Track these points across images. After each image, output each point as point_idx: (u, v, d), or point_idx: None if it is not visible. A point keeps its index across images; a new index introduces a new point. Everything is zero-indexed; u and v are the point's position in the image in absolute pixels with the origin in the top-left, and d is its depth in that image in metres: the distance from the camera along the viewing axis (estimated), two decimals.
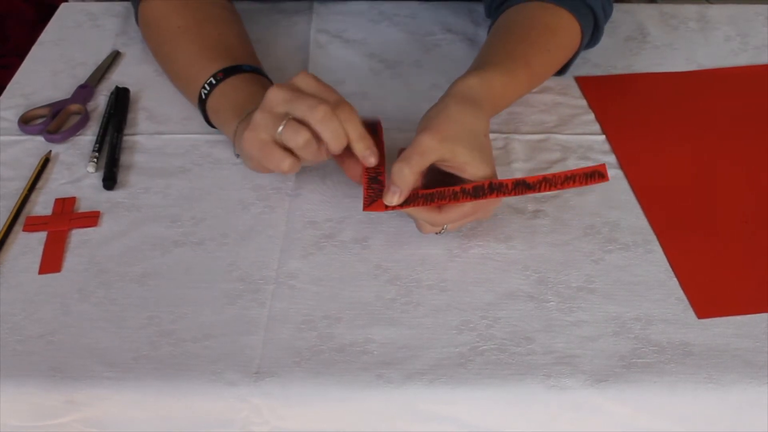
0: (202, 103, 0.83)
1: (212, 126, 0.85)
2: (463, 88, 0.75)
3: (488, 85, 0.77)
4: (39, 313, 0.68)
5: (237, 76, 0.82)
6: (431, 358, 0.64)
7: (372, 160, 0.71)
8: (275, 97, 0.70)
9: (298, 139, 0.69)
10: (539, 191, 0.70)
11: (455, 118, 0.71)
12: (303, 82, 0.71)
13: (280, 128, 0.69)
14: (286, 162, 0.70)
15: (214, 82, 0.82)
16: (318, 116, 0.68)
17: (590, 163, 0.83)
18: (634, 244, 0.74)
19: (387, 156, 0.75)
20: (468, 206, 0.70)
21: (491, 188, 0.69)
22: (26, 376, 0.63)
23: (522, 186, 0.69)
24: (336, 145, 0.70)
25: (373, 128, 0.75)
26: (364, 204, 0.71)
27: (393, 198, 0.69)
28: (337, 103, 0.70)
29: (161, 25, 0.92)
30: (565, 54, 0.90)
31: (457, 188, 0.69)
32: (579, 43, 0.90)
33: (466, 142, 0.70)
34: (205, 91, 0.82)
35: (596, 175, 0.69)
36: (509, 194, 0.69)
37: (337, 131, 0.69)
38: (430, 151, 0.69)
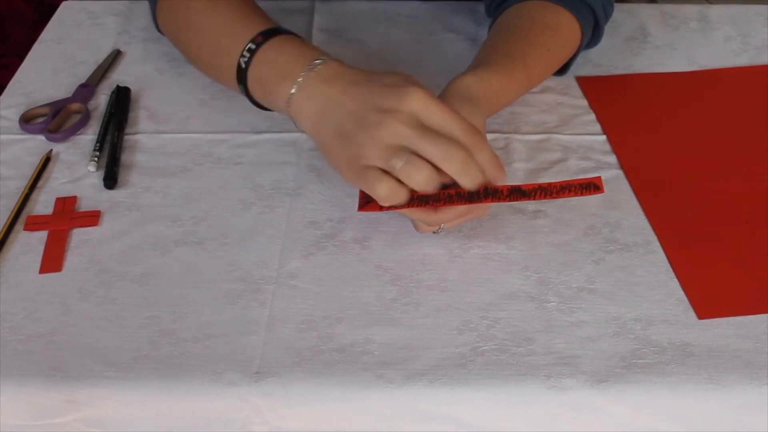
0: (242, 76, 0.76)
1: (256, 104, 0.78)
2: (460, 86, 0.75)
3: (485, 84, 0.76)
4: (39, 313, 0.68)
5: (278, 37, 0.75)
6: (432, 359, 0.64)
7: (502, 178, 0.68)
8: (395, 131, 0.65)
9: (419, 178, 0.65)
10: (534, 199, 0.70)
11: None
12: (423, 109, 0.65)
13: (397, 163, 0.65)
14: (385, 189, 0.65)
15: (253, 47, 0.75)
16: (457, 167, 0.65)
17: (591, 164, 0.83)
18: (635, 245, 0.74)
19: None
20: (463, 206, 0.70)
21: (486, 193, 0.69)
22: (26, 375, 0.63)
23: (517, 193, 0.70)
24: (474, 187, 0.67)
25: None
26: (359, 204, 0.71)
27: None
28: (468, 134, 0.66)
29: (182, 7, 0.86)
30: (565, 53, 0.90)
31: (453, 192, 0.69)
32: (579, 43, 0.90)
33: None
34: (245, 59, 0.75)
35: (591, 186, 0.70)
36: (504, 200, 0.69)
37: (477, 177, 0.66)
38: None
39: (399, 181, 0.66)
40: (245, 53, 0.75)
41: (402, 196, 0.66)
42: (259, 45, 0.74)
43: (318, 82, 0.70)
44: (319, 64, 0.71)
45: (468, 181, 0.66)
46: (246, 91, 0.77)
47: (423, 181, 0.66)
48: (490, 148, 0.68)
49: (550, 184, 0.70)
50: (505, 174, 0.69)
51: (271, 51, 0.74)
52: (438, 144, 0.65)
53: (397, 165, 0.65)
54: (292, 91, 0.71)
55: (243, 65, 0.75)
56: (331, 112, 0.69)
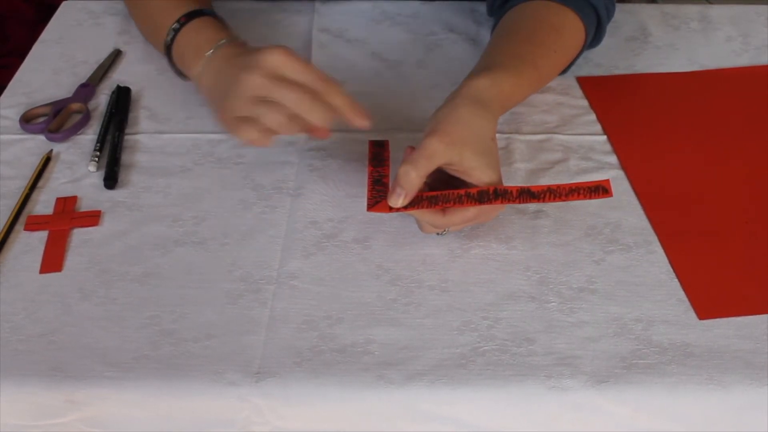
0: (168, 51, 0.86)
1: (181, 75, 0.87)
2: (474, 90, 0.75)
3: (498, 87, 0.76)
4: (40, 313, 0.68)
5: (198, 19, 0.85)
6: (432, 359, 0.64)
7: (366, 123, 0.72)
8: (253, 82, 0.71)
9: (275, 122, 0.71)
10: (543, 201, 0.70)
11: (464, 121, 0.71)
12: (281, 62, 0.72)
13: (256, 110, 0.71)
14: (253, 135, 0.73)
15: (177, 26, 0.84)
16: (305, 107, 0.70)
17: (591, 164, 0.83)
18: (636, 245, 0.74)
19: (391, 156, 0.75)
20: (471, 211, 0.70)
21: (496, 194, 0.69)
22: (27, 375, 0.63)
23: (527, 194, 0.70)
24: (323, 123, 0.71)
25: (380, 145, 0.77)
26: (368, 204, 0.71)
27: (398, 200, 0.69)
28: (321, 80, 0.71)
29: None
30: (571, 54, 0.90)
31: (462, 192, 0.69)
32: (583, 43, 0.90)
33: (473, 147, 0.70)
34: (170, 37, 0.85)
35: (600, 190, 0.70)
36: (513, 201, 0.70)
37: (324, 114, 0.71)
38: (437, 154, 0.69)
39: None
40: (170, 31, 0.85)
41: (267, 139, 0.73)
42: (182, 25, 0.85)
43: (217, 59, 0.80)
44: (222, 44, 0.81)
45: (315, 117, 0.71)
46: (171, 64, 0.88)
47: (277, 122, 0.71)
48: (343, 93, 0.72)
49: (559, 186, 0.70)
50: (364, 117, 0.72)
51: (190, 32, 0.84)
52: (289, 89, 0.71)
53: (256, 112, 0.72)
54: (199, 69, 0.81)
55: (168, 42, 0.86)
56: (217, 79, 0.79)
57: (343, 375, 0.63)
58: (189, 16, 0.85)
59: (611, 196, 0.70)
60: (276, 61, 0.71)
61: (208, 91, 0.81)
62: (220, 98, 0.76)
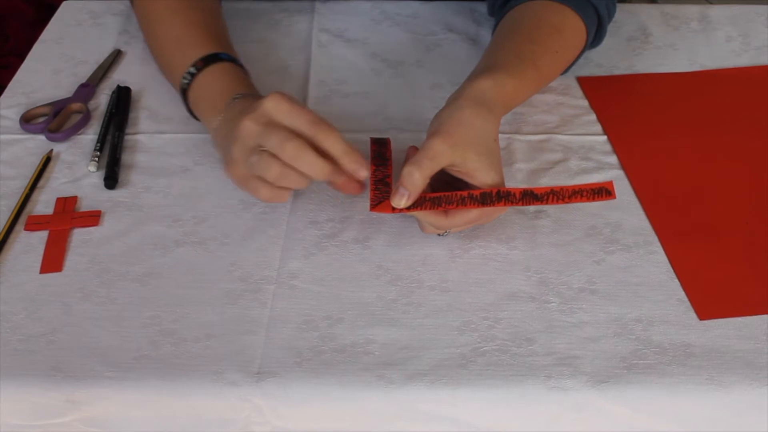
0: (183, 92, 0.84)
1: (193, 115, 0.85)
2: (477, 91, 0.75)
3: (501, 88, 0.76)
4: (40, 312, 0.68)
5: (215, 65, 0.82)
6: (432, 359, 0.64)
7: (363, 173, 0.70)
8: (247, 130, 0.69)
9: (269, 173, 0.68)
10: (546, 203, 0.70)
11: (467, 122, 0.71)
12: (274, 108, 0.69)
13: (252, 162, 0.69)
14: (264, 193, 0.70)
15: (194, 71, 0.82)
16: (288, 154, 0.67)
17: (592, 164, 0.83)
18: (636, 245, 0.74)
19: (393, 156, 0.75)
20: (474, 213, 0.70)
21: (499, 196, 0.69)
22: (27, 375, 0.63)
23: (530, 196, 0.70)
24: (317, 175, 0.68)
25: (382, 143, 0.77)
26: (371, 204, 0.71)
27: (401, 201, 0.69)
28: (312, 125, 0.68)
29: (146, 12, 0.93)
30: (572, 54, 0.90)
31: (465, 193, 0.69)
32: (584, 43, 0.90)
33: (476, 148, 0.70)
34: (186, 81, 0.83)
35: (603, 192, 0.71)
36: (516, 204, 0.70)
37: (313, 163, 0.68)
38: (440, 155, 0.69)
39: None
40: (186, 75, 0.83)
41: (284, 196, 0.71)
42: (198, 70, 0.82)
43: (229, 114, 0.77)
44: (237, 99, 0.78)
45: (307, 167, 0.68)
46: (187, 107, 0.85)
47: (273, 175, 0.68)
48: (337, 138, 0.69)
49: (562, 188, 0.70)
50: (362, 164, 0.69)
51: (207, 79, 0.82)
52: (275, 135, 0.68)
53: (252, 163, 0.69)
54: (215, 125, 0.79)
55: (184, 86, 0.83)
56: (226, 133, 0.75)
57: (343, 375, 0.63)
58: (206, 61, 0.82)
59: (614, 198, 0.70)
60: (270, 107, 0.69)
61: (219, 147, 0.80)
62: (225, 151, 0.75)
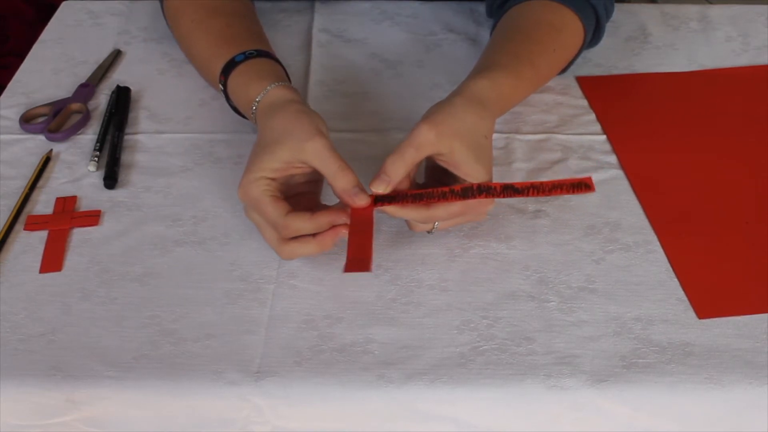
0: (225, 92, 0.82)
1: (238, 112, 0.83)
2: (473, 90, 0.75)
3: (497, 87, 0.76)
4: (40, 312, 0.68)
5: (237, 69, 0.80)
6: (432, 358, 0.64)
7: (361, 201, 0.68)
8: (240, 194, 0.70)
9: (267, 239, 0.71)
10: (526, 196, 0.70)
11: (458, 114, 0.71)
12: (246, 201, 0.70)
13: (252, 219, 0.71)
14: (287, 253, 0.71)
15: (223, 80, 0.81)
16: (272, 245, 0.70)
17: (591, 164, 0.83)
18: (635, 244, 0.74)
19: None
20: (457, 206, 0.70)
21: (480, 190, 0.69)
22: (27, 375, 0.63)
23: (510, 190, 0.70)
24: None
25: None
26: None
27: (380, 186, 0.68)
28: (276, 223, 0.68)
29: (178, 20, 0.92)
30: (570, 53, 0.90)
31: (446, 189, 0.69)
32: (582, 42, 0.90)
33: (464, 140, 0.70)
34: (222, 89, 0.82)
35: (582, 186, 0.70)
36: (497, 196, 0.70)
37: (294, 254, 0.70)
38: (426, 144, 0.69)
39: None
40: (221, 85, 0.82)
41: (311, 248, 0.69)
42: (227, 78, 0.81)
43: (259, 116, 0.75)
44: (271, 87, 0.76)
45: (283, 257, 0.71)
46: (230, 103, 0.83)
47: (267, 239, 0.70)
48: (305, 222, 0.68)
49: (542, 183, 0.70)
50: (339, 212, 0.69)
51: (234, 86, 0.80)
52: (255, 220, 0.71)
53: (252, 219, 0.71)
54: (254, 123, 0.77)
55: (222, 87, 0.82)
56: (255, 143, 0.74)
57: (343, 374, 0.63)
58: (225, 70, 0.81)
59: (593, 191, 0.70)
60: (242, 198, 0.70)
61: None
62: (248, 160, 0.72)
